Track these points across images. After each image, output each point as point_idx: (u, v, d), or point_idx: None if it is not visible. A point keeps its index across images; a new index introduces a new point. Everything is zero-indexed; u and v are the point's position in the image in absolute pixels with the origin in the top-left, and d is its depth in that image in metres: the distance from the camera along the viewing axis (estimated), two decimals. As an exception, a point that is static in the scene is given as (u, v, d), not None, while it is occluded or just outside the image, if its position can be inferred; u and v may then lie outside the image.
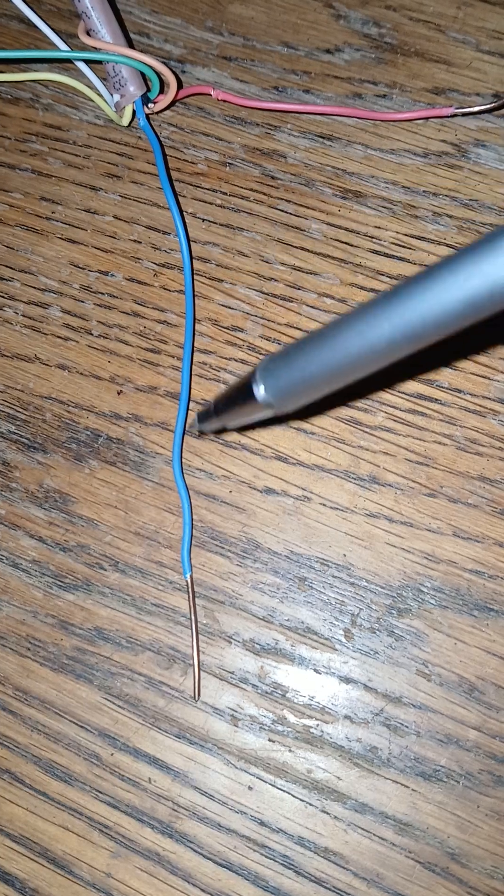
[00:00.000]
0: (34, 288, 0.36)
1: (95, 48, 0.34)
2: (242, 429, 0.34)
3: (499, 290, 0.18)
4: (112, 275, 0.35)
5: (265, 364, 0.25)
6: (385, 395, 0.33)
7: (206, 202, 0.36)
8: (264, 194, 0.35)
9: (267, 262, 0.35)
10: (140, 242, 0.36)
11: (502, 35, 0.36)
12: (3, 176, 0.37)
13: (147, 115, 0.36)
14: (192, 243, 0.35)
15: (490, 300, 0.19)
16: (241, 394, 0.27)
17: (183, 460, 0.33)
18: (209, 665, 0.32)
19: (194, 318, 0.34)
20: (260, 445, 0.33)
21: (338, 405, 0.33)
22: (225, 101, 0.36)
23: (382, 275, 0.34)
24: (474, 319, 0.20)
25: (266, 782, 0.31)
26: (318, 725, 0.31)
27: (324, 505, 0.33)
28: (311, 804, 0.31)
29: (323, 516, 0.33)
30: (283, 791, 0.31)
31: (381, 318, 0.21)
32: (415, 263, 0.34)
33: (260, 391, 0.25)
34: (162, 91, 0.36)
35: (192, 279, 0.35)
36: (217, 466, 0.33)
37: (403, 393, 0.33)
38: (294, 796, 0.31)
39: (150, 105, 0.36)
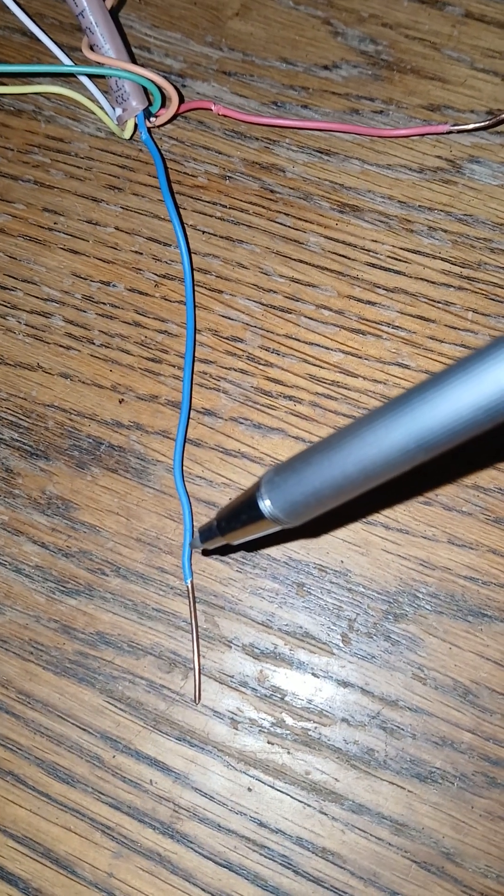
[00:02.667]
0: (37, 298, 0.36)
1: (99, 63, 0.35)
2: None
3: None
4: (114, 285, 0.36)
5: (270, 476, 0.24)
6: (381, 405, 0.34)
7: (206, 214, 0.36)
8: (263, 207, 0.36)
9: (266, 273, 0.36)
10: (141, 254, 0.36)
11: (496, 53, 0.37)
12: (6, 187, 0.37)
13: (149, 129, 0.36)
14: (192, 255, 0.36)
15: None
16: (245, 509, 0.25)
17: (184, 468, 0.34)
18: (209, 669, 0.33)
19: (195, 329, 0.35)
20: (259, 454, 0.34)
21: (336, 416, 0.34)
22: (225, 115, 0.37)
23: (379, 287, 0.35)
24: (490, 426, 0.19)
25: (265, 784, 0.32)
26: (316, 728, 0.32)
27: (322, 512, 0.33)
28: (309, 805, 0.31)
29: (320, 524, 0.33)
30: (282, 792, 0.31)
31: (393, 425, 0.20)
32: (410, 276, 0.35)
33: (266, 505, 0.24)
34: (163, 105, 0.36)
35: (193, 290, 0.35)
36: (217, 474, 0.34)
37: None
38: (292, 797, 0.31)
39: (152, 119, 0.36)
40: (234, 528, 0.26)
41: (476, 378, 0.18)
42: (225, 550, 0.33)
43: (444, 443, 0.19)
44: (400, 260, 0.35)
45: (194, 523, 0.33)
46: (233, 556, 0.33)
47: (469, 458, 0.33)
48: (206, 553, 0.33)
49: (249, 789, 0.32)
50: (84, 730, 0.32)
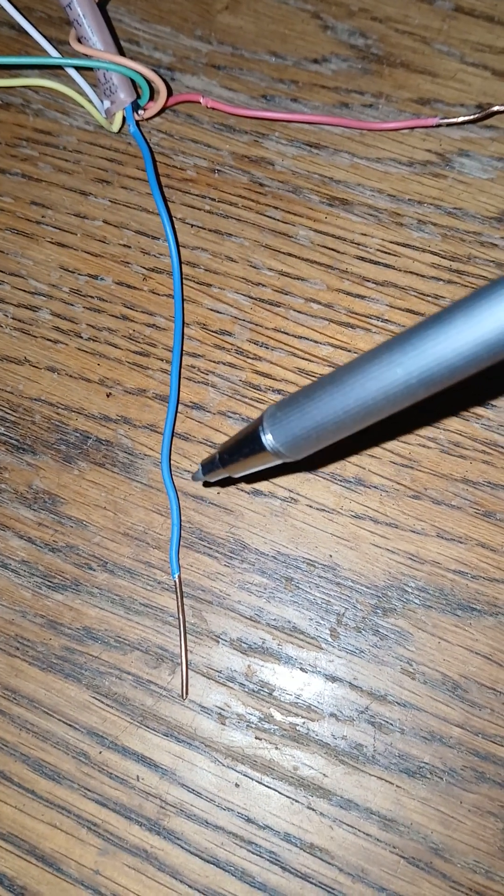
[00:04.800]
0: (24, 291, 0.36)
1: (87, 55, 0.34)
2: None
3: None
4: (102, 279, 0.36)
5: (272, 411, 0.24)
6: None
7: (194, 208, 0.36)
8: (252, 201, 0.36)
9: (255, 267, 0.35)
10: (129, 247, 0.36)
11: (486, 47, 0.37)
12: (-6, 180, 0.37)
13: (137, 122, 0.36)
14: (180, 248, 0.36)
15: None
16: (247, 442, 0.26)
17: (171, 462, 0.34)
18: (197, 664, 0.32)
19: (183, 322, 0.35)
20: (247, 447, 0.34)
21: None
22: (214, 108, 0.36)
23: (368, 281, 0.35)
24: (490, 362, 0.19)
25: (253, 779, 0.31)
26: (304, 723, 0.32)
27: (310, 506, 0.33)
28: (297, 801, 0.31)
29: (309, 518, 0.33)
30: (270, 788, 0.31)
31: (395, 362, 0.20)
32: (400, 270, 0.35)
33: (268, 439, 0.24)
34: (152, 98, 0.36)
35: (181, 283, 0.35)
36: (205, 468, 0.34)
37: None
38: (280, 793, 0.31)
39: (140, 112, 0.36)
40: (236, 460, 0.27)
41: (477, 316, 0.19)
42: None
43: (444, 378, 0.20)
44: (389, 253, 0.35)
45: (182, 518, 0.33)
46: (220, 550, 0.33)
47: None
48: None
49: (237, 785, 0.31)
50: (70, 726, 0.32)
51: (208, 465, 0.29)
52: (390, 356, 0.20)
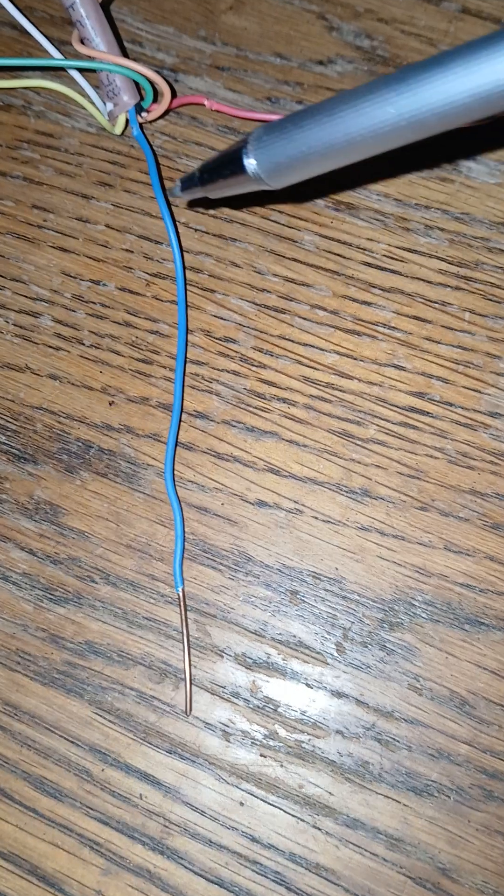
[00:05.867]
0: (25, 297, 0.35)
1: (89, 57, 0.34)
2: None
3: None
4: (104, 284, 0.35)
5: (258, 134, 0.24)
6: (377, 408, 0.33)
7: (198, 212, 0.36)
8: (257, 205, 0.35)
9: (259, 273, 0.35)
10: (132, 252, 0.35)
11: (494, 50, 0.36)
12: (-6, 183, 0.37)
13: (140, 125, 0.35)
14: (184, 253, 0.35)
15: (499, 98, 0.19)
16: (230, 164, 0.25)
17: (175, 472, 0.33)
18: (201, 679, 0.32)
19: (187, 329, 0.34)
20: (252, 457, 0.33)
21: (330, 418, 0.33)
22: (218, 111, 0.36)
23: (375, 287, 0.34)
24: (479, 115, 0.19)
25: (258, 798, 0.31)
26: (309, 740, 0.31)
27: (316, 518, 0.33)
28: (302, 820, 0.30)
29: (315, 529, 0.33)
30: (275, 806, 0.31)
31: (388, 101, 0.20)
32: (406, 276, 0.34)
33: (251, 163, 0.24)
34: (155, 100, 0.35)
35: (185, 289, 0.34)
36: (209, 479, 0.33)
37: (395, 406, 0.33)
38: (286, 812, 0.31)
39: (144, 114, 0.36)
40: (215, 180, 0.27)
41: (475, 66, 0.19)
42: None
43: (433, 125, 0.20)
44: (396, 259, 0.35)
45: (185, 529, 0.33)
46: (224, 562, 0.32)
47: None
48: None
49: (241, 803, 0.31)
50: (72, 742, 0.32)
51: (187, 182, 0.29)
52: (385, 94, 0.20)
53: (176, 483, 0.33)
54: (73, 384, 0.34)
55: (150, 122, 0.36)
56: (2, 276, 0.36)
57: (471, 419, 0.33)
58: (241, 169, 0.25)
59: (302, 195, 0.35)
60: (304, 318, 0.34)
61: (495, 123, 0.21)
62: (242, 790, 0.31)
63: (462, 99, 0.19)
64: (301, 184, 0.29)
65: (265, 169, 0.24)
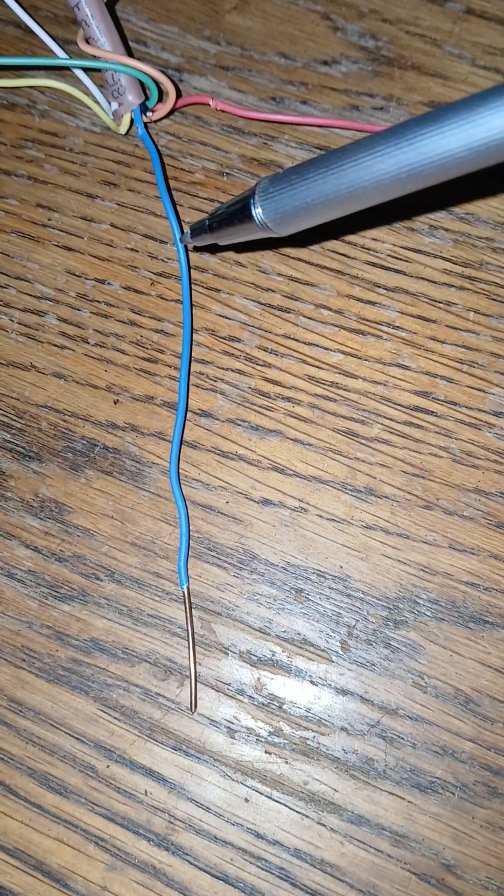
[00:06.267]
0: (30, 295, 0.35)
1: (95, 56, 0.34)
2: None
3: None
4: (109, 283, 0.35)
5: (265, 185, 0.25)
6: (381, 407, 0.33)
7: (203, 211, 0.36)
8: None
9: (264, 272, 0.35)
10: (137, 251, 0.36)
11: (497, 50, 0.36)
12: (-1, 182, 0.37)
13: (145, 124, 0.35)
14: (189, 252, 0.35)
15: (497, 151, 0.19)
16: (237, 213, 0.27)
17: (180, 471, 0.33)
18: (206, 676, 0.32)
19: (191, 328, 0.34)
20: (257, 456, 0.33)
21: (335, 417, 0.33)
22: (223, 111, 0.36)
23: (379, 287, 0.34)
24: (477, 167, 0.20)
25: (262, 794, 0.31)
26: (314, 737, 0.31)
27: (320, 516, 0.33)
28: (307, 816, 0.31)
29: (319, 528, 0.33)
30: (280, 803, 0.31)
31: (388, 154, 0.21)
32: (411, 276, 0.34)
33: (258, 213, 0.25)
34: (160, 100, 0.36)
35: (190, 288, 0.34)
36: (214, 477, 0.33)
37: (400, 405, 0.33)
38: (290, 808, 0.31)
39: (148, 114, 0.36)
40: (224, 227, 0.28)
41: (471, 121, 0.19)
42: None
43: (434, 176, 0.21)
44: (400, 259, 0.35)
45: (190, 528, 0.33)
46: (229, 560, 0.32)
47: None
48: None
49: (246, 800, 0.31)
50: (77, 739, 0.32)
51: (197, 229, 0.30)
52: (385, 147, 0.21)
53: (181, 481, 0.33)
54: (77, 383, 0.34)
55: (155, 121, 0.36)
56: (7, 275, 0.36)
57: (475, 418, 0.33)
58: (248, 218, 0.26)
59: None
60: (309, 318, 0.34)
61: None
62: (247, 787, 0.31)
63: (460, 152, 0.20)
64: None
65: (271, 218, 0.25)
